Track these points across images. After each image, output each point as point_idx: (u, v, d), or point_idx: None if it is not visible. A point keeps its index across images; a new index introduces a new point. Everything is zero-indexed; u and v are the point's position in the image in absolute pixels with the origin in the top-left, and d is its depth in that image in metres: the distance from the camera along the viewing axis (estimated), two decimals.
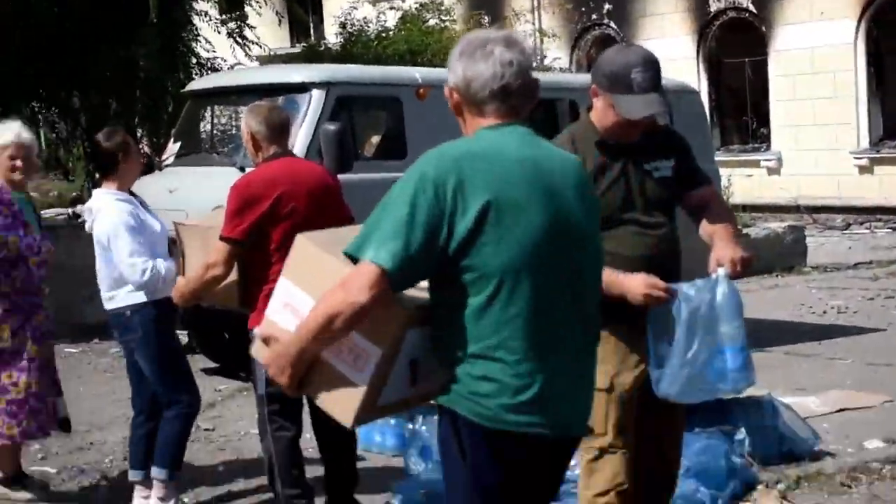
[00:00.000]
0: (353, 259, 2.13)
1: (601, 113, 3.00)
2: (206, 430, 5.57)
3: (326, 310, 2.11)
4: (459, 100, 2.24)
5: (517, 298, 2.11)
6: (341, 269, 2.15)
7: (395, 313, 2.15)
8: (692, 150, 3.19)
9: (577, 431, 2.26)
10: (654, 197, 3.04)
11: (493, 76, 2.19)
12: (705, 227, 3.06)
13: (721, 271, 2.87)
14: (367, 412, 2.23)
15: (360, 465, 4.80)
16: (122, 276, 4.12)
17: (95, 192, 4.31)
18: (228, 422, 5.76)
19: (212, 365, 7.10)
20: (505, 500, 2.19)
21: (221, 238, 3.70)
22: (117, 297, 4.19)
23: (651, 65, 2.94)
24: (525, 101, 2.23)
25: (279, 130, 3.86)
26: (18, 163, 4.48)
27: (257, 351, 2.33)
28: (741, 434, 4.48)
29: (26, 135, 4.56)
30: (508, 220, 2.10)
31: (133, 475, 4.37)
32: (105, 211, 4.17)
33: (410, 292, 2.18)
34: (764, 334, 7.88)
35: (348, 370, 2.17)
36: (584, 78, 9.34)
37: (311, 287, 2.20)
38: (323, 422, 3.50)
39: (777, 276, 10.88)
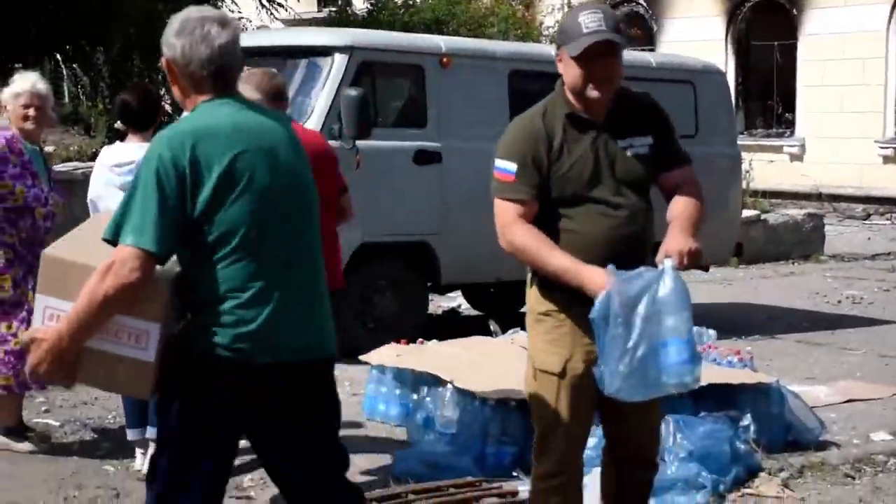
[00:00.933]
0: (112, 243, 2.35)
1: (566, 75, 2.88)
2: None
3: (99, 294, 2.31)
4: (177, 73, 2.46)
5: (254, 247, 2.38)
6: (92, 270, 2.35)
7: (158, 288, 2.38)
8: (675, 129, 3.02)
9: (316, 356, 2.49)
10: (626, 175, 2.89)
11: (211, 58, 2.42)
12: (669, 213, 2.93)
13: (668, 262, 2.74)
14: (157, 379, 2.44)
15: (361, 432, 4.81)
16: None
17: (142, 145, 4.19)
18: None
19: None
20: (260, 428, 2.45)
21: None
22: None
23: (600, 9, 2.84)
24: (236, 76, 2.50)
25: (273, 97, 3.82)
26: (31, 112, 4.45)
27: (29, 373, 2.48)
28: (746, 420, 4.44)
29: (41, 85, 4.52)
30: (241, 183, 2.37)
31: (131, 434, 4.31)
32: None
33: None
34: (777, 321, 7.84)
35: (133, 351, 2.40)
36: None
37: (72, 294, 2.38)
38: None
39: (793, 263, 10.79)
